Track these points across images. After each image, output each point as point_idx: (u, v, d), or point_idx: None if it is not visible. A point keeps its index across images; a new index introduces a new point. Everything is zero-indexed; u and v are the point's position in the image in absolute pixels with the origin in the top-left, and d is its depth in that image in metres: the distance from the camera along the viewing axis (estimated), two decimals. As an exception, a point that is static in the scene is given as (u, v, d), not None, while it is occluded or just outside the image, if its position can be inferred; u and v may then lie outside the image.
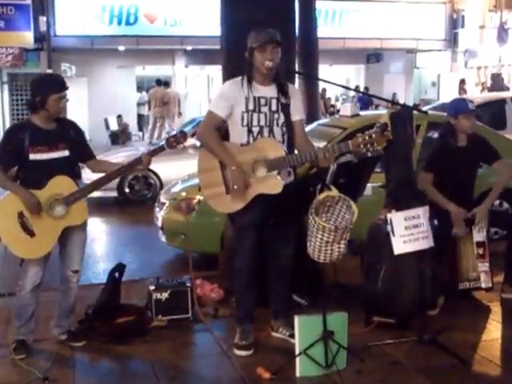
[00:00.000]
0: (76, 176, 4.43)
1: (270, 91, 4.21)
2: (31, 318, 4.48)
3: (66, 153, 4.36)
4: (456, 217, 4.96)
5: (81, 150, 4.49)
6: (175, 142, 4.52)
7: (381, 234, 4.55)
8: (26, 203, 4.19)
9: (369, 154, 4.02)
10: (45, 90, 4.23)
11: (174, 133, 4.55)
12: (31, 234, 4.24)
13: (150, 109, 19.62)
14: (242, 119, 4.17)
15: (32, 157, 4.24)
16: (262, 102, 4.18)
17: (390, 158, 4.59)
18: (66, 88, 4.33)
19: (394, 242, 4.39)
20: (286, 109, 4.20)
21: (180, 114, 20.12)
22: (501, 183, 5.20)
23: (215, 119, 4.22)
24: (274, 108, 4.20)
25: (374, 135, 3.88)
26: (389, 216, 4.42)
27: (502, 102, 11.20)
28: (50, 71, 16.63)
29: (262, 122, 4.18)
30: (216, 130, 4.23)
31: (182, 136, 4.54)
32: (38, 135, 4.27)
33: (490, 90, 21.58)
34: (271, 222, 4.28)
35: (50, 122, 4.33)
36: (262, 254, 4.36)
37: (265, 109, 4.18)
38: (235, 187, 4.08)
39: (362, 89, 22.20)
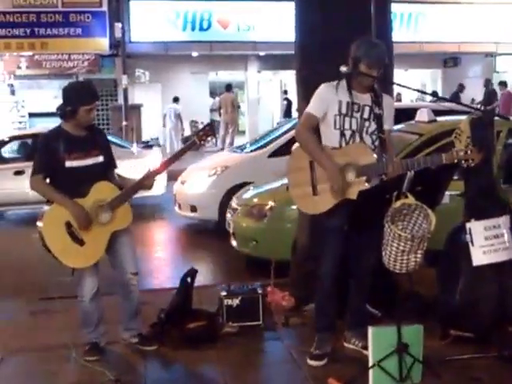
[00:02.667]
0: (112, 182, 4.43)
1: (364, 99, 4.20)
2: (99, 323, 4.52)
3: (100, 159, 4.39)
4: None
5: (107, 158, 4.49)
6: (205, 135, 4.47)
7: (459, 244, 4.42)
8: (76, 217, 4.20)
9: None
10: (76, 101, 4.24)
11: (201, 127, 4.53)
12: (81, 243, 4.25)
13: (220, 115, 19.79)
14: (335, 122, 4.17)
15: (68, 164, 4.26)
16: (355, 107, 4.17)
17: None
18: (97, 99, 4.36)
19: (474, 253, 4.25)
20: (378, 118, 4.18)
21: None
22: None
23: (312, 120, 4.23)
24: (365, 116, 4.18)
25: (470, 152, 3.86)
26: (468, 225, 4.29)
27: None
28: (124, 77, 16.98)
29: (354, 127, 4.17)
30: (312, 129, 4.24)
31: (210, 128, 4.50)
32: (72, 142, 4.29)
33: None
34: (348, 231, 4.22)
35: (80, 129, 4.35)
36: (342, 259, 4.31)
37: (357, 115, 4.17)
38: (335, 187, 4.04)
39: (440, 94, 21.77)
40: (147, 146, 12.67)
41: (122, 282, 4.53)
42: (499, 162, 5.63)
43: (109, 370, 4.16)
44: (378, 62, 4.09)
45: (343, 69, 4.09)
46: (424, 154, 5.58)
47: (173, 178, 9.69)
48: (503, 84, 19.17)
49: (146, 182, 4.38)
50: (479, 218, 4.30)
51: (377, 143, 4.18)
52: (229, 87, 19.85)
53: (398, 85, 5.00)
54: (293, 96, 19.22)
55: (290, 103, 22.32)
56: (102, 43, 18.31)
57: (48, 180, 4.33)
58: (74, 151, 4.28)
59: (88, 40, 18.15)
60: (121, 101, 17.62)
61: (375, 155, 4.11)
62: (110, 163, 4.52)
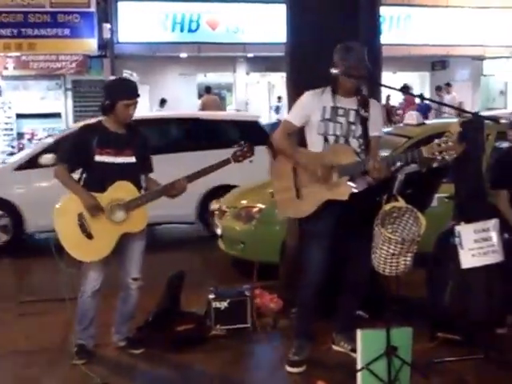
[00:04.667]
0: (139, 184, 4.42)
1: (350, 103, 4.20)
2: (91, 323, 4.51)
3: (133, 159, 4.36)
4: None
5: (143, 161, 4.47)
6: (242, 157, 4.42)
7: (448, 247, 4.42)
8: (86, 204, 4.20)
9: (435, 164, 3.91)
10: (114, 95, 4.26)
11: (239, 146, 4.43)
12: (89, 236, 4.25)
13: None
14: (319, 127, 4.17)
15: (98, 158, 4.26)
16: (340, 112, 4.17)
17: (459, 168, 4.44)
18: (137, 95, 4.33)
19: (462, 256, 4.25)
20: (364, 122, 4.16)
21: None
22: None
23: (289, 127, 4.29)
24: (351, 119, 4.17)
25: (450, 142, 3.82)
26: (457, 228, 4.29)
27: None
28: (112, 78, 16.91)
29: (338, 132, 4.16)
30: (288, 135, 4.28)
31: (248, 149, 4.44)
32: (107, 137, 4.30)
33: None
34: (339, 234, 4.21)
35: (120, 126, 4.35)
36: (328, 265, 4.27)
37: (342, 119, 4.16)
38: (319, 174, 4.05)
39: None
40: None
41: (123, 285, 4.55)
42: (488, 166, 5.66)
43: (96, 373, 4.15)
44: (356, 65, 4.06)
45: (334, 71, 4.08)
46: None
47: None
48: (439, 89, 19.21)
49: (170, 191, 4.37)
50: (469, 220, 4.30)
51: (363, 147, 4.17)
52: (208, 89, 19.85)
53: (386, 86, 5.00)
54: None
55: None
56: (90, 44, 18.21)
57: (82, 171, 4.37)
58: (107, 146, 4.28)
59: (76, 41, 18.04)
60: (109, 102, 17.50)
61: (355, 154, 4.11)
62: (144, 166, 4.49)
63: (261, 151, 8.12)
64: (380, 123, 4.38)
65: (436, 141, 3.85)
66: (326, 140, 4.16)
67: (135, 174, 4.41)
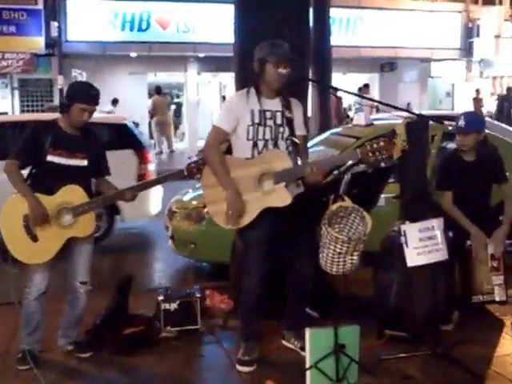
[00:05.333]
0: (89, 188, 4.37)
1: (275, 104, 4.17)
2: (38, 327, 4.44)
3: (85, 163, 4.31)
4: (477, 243, 4.91)
5: (98, 164, 4.43)
6: (196, 169, 4.31)
7: (394, 246, 4.49)
8: (32, 211, 4.14)
9: (382, 164, 3.96)
10: (72, 97, 4.21)
11: (195, 159, 4.33)
12: (34, 238, 4.19)
13: (152, 117, 19.73)
14: (248, 133, 4.11)
15: (50, 158, 4.20)
16: (268, 115, 4.13)
17: (404, 168, 4.53)
18: (95, 103, 4.28)
19: (408, 254, 4.31)
20: (290, 123, 4.15)
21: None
22: (509, 214, 5.10)
23: (220, 134, 4.17)
24: (278, 121, 4.15)
25: (382, 143, 3.84)
26: (403, 227, 4.35)
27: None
28: (60, 77, 16.68)
29: (268, 136, 4.13)
30: (220, 144, 4.20)
31: (203, 164, 4.31)
32: (60, 138, 4.24)
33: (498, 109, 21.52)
34: (284, 234, 4.21)
35: (74, 128, 4.30)
36: (274, 267, 4.27)
37: (270, 122, 4.13)
38: (230, 213, 4.02)
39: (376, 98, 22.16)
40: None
41: (70, 289, 4.49)
42: (433, 167, 5.77)
43: (43, 379, 4.07)
44: (284, 59, 4.05)
45: (260, 66, 4.09)
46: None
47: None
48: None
49: (119, 199, 4.36)
50: (414, 220, 4.36)
51: (291, 148, 4.15)
52: (158, 89, 19.76)
53: (336, 88, 5.05)
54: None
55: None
56: (38, 42, 17.91)
57: (31, 169, 4.28)
58: (59, 147, 4.21)
59: (23, 38, 17.72)
60: (57, 101, 17.28)
61: (289, 159, 4.08)
62: (99, 168, 4.44)
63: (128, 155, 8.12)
64: (303, 122, 4.33)
65: (368, 142, 3.89)
66: (255, 145, 4.12)
67: (86, 178, 4.36)
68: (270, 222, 4.09)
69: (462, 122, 4.96)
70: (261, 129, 4.11)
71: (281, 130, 4.14)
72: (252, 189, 4.05)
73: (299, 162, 4.20)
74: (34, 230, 4.18)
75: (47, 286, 4.37)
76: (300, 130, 4.24)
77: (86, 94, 4.25)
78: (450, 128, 5.63)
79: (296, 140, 4.17)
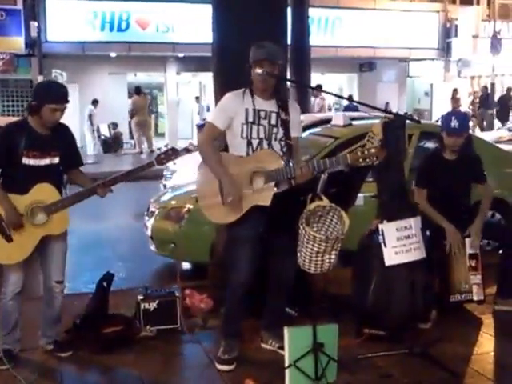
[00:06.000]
0: (60, 185, 4.37)
1: (270, 105, 4.22)
2: (15, 326, 4.42)
3: (56, 160, 4.30)
4: (451, 238, 4.94)
5: (70, 157, 4.42)
6: (165, 159, 4.40)
7: (372, 245, 4.52)
8: (7, 218, 4.13)
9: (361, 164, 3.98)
10: (42, 97, 4.17)
11: (164, 149, 4.42)
12: (8, 238, 4.17)
13: (132, 117, 19.70)
14: (242, 131, 4.17)
15: (25, 161, 4.18)
16: (262, 114, 4.18)
17: (381, 167, 4.53)
18: (66, 101, 4.25)
19: (386, 253, 4.36)
20: (285, 124, 4.19)
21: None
22: (484, 210, 5.17)
23: (214, 131, 4.24)
24: (273, 122, 4.20)
25: (373, 149, 3.89)
26: (380, 226, 4.40)
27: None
28: (40, 77, 16.59)
29: (262, 135, 4.17)
30: (214, 141, 4.26)
31: (173, 153, 4.43)
32: (34, 139, 4.20)
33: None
34: (265, 234, 4.24)
35: (45, 127, 4.27)
36: (256, 267, 4.28)
37: (264, 122, 4.18)
38: (229, 200, 4.05)
39: (355, 98, 22.27)
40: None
41: (46, 288, 4.47)
42: (410, 166, 5.84)
43: (22, 378, 4.06)
44: (257, 59, 4.09)
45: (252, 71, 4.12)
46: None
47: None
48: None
49: (93, 194, 4.31)
50: (391, 219, 4.40)
51: (285, 149, 4.19)
52: (138, 89, 19.74)
53: (315, 89, 5.07)
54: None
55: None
56: (17, 42, 17.82)
57: (3, 170, 4.25)
58: (33, 149, 4.18)
59: (2, 39, 17.63)
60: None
61: (282, 160, 4.12)
62: (73, 161, 4.43)
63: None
64: (299, 124, 4.40)
65: (359, 148, 3.91)
66: (249, 143, 4.17)
67: (57, 175, 4.36)
68: (257, 220, 4.14)
69: (455, 123, 4.93)
70: (254, 127, 4.16)
71: (274, 130, 4.19)
72: (243, 186, 4.10)
73: (291, 163, 4.21)
74: (9, 230, 4.16)
75: (22, 286, 4.35)
76: (295, 132, 4.27)
77: (56, 94, 4.21)
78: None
79: (290, 142, 4.20)
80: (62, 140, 4.35)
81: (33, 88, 4.33)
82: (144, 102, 19.99)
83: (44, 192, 4.22)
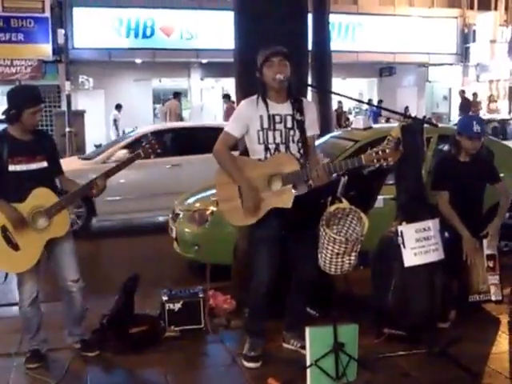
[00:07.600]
0: (55, 188, 4.40)
1: (284, 108, 4.23)
2: (39, 329, 4.50)
3: (45, 164, 4.33)
4: (467, 246, 4.96)
5: (56, 163, 4.47)
6: (150, 149, 4.45)
7: (391, 247, 4.56)
8: (10, 219, 4.17)
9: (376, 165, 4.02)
10: (20, 104, 4.19)
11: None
12: (15, 247, 4.21)
13: (166, 121, 19.79)
14: (258, 137, 4.21)
15: (11, 168, 4.21)
16: (277, 119, 4.20)
17: (400, 170, 4.61)
18: (41, 102, 4.31)
19: (405, 255, 4.40)
20: (301, 125, 4.20)
21: None
22: (503, 208, 5.19)
23: (229, 139, 4.29)
24: (289, 125, 4.21)
25: (387, 150, 3.87)
26: (399, 228, 4.44)
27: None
28: (67, 83, 16.81)
29: (278, 140, 4.20)
30: (230, 147, 4.31)
31: (156, 143, 4.46)
32: (16, 146, 4.23)
33: None
34: (287, 236, 4.29)
35: (26, 133, 4.30)
36: (277, 266, 4.34)
37: (280, 126, 4.21)
38: (249, 204, 4.12)
39: (375, 102, 22.23)
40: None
41: (63, 289, 4.51)
42: (429, 168, 5.86)
43: (50, 377, 4.17)
44: (273, 54, 4.12)
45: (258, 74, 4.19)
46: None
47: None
48: (227, 97, 19.15)
49: (88, 192, 4.37)
50: (410, 221, 4.45)
51: (302, 151, 4.21)
52: (176, 94, 19.84)
53: (335, 93, 5.11)
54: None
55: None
56: (45, 49, 18.09)
57: None
58: (18, 155, 4.22)
59: (31, 46, 17.92)
60: (64, 107, 17.44)
61: (298, 163, 4.14)
62: (55, 169, 4.45)
63: None
64: (315, 122, 4.37)
65: (374, 149, 3.90)
66: (266, 149, 4.20)
67: (50, 179, 4.39)
68: (277, 222, 4.19)
69: (477, 128, 4.95)
70: (270, 133, 4.19)
71: (291, 133, 4.21)
72: (261, 189, 4.15)
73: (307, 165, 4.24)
74: (14, 239, 4.21)
75: (38, 290, 4.41)
76: (311, 131, 4.28)
77: (32, 97, 4.26)
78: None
79: (308, 143, 4.23)
80: (45, 145, 4.39)
81: (7, 96, 4.28)
82: (179, 106, 20.08)
83: (41, 196, 4.25)
